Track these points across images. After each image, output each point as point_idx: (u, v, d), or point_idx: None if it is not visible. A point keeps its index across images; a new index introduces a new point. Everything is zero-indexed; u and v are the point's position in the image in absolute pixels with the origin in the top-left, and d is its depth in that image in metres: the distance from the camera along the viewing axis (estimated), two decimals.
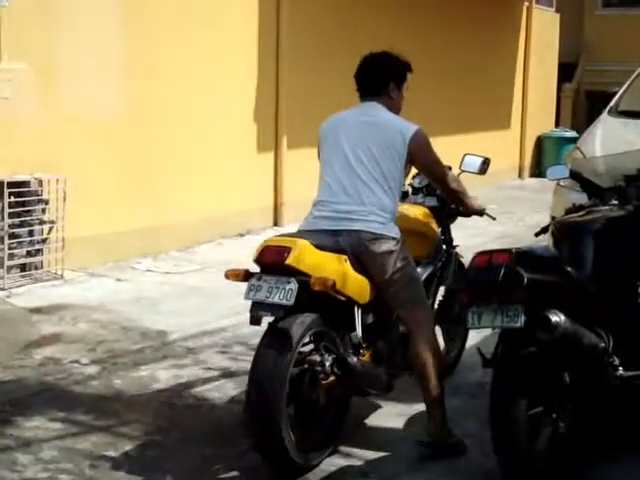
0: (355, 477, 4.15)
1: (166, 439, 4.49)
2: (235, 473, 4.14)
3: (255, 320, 4.06)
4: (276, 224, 10.03)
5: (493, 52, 14.69)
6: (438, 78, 12.90)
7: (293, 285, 3.91)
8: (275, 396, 3.85)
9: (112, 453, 4.30)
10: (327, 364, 4.06)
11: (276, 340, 3.93)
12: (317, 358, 4.07)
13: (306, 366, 4.06)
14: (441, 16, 12.85)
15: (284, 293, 3.91)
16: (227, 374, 5.42)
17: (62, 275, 7.45)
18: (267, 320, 4.05)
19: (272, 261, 3.99)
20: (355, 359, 4.10)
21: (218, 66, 9.21)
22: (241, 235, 9.47)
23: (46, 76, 7.54)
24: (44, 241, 7.45)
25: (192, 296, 7.17)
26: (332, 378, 4.10)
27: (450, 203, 5.06)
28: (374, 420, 4.80)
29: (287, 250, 3.97)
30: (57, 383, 5.21)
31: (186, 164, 8.88)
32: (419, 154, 4.43)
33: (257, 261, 4.07)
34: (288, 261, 3.95)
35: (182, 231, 8.77)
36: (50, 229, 7.45)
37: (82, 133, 7.79)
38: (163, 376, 5.37)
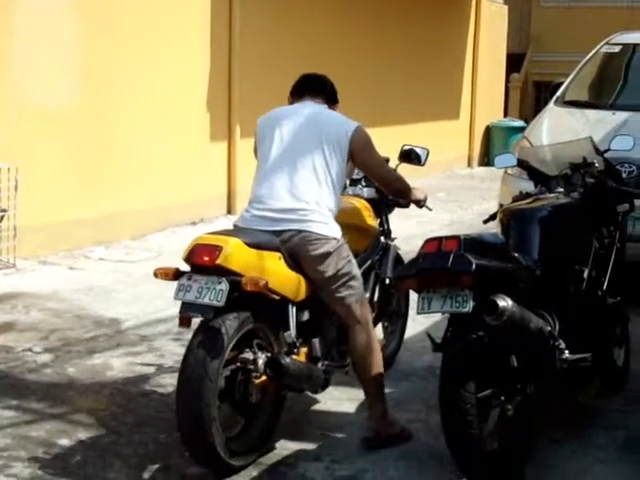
0: (307, 460, 4.20)
1: (120, 425, 4.51)
2: (188, 457, 4.14)
3: (184, 321, 3.95)
4: (229, 212, 10.04)
5: (442, 43, 14.79)
6: (386, 69, 12.97)
7: (224, 285, 3.78)
8: (205, 395, 3.75)
9: (66, 440, 4.32)
10: (260, 362, 3.95)
11: (208, 338, 3.82)
12: (250, 356, 3.97)
13: (239, 364, 3.96)
14: (389, 6, 12.91)
15: (214, 294, 3.78)
16: (181, 361, 5.43)
17: (14, 264, 7.43)
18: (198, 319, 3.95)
19: (202, 261, 3.84)
20: (288, 359, 3.96)
21: (171, 55, 9.19)
22: (194, 223, 9.47)
23: None
24: None
25: (145, 284, 7.15)
26: (265, 377, 4.00)
27: (389, 195, 5.00)
28: (326, 404, 4.85)
29: (218, 249, 3.83)
30: (10, 371, 5.21)
31: (139, 153, 8.86)
32: (360, 153, 4.37)
33: (187, 260, 3.93)
34: (218, 261, 3.81)
35: (135, 220, 8.76)
36: (2, 218, 7.40)
37: (34, 121, 7.74)
38: (117, 364, 5.39)
